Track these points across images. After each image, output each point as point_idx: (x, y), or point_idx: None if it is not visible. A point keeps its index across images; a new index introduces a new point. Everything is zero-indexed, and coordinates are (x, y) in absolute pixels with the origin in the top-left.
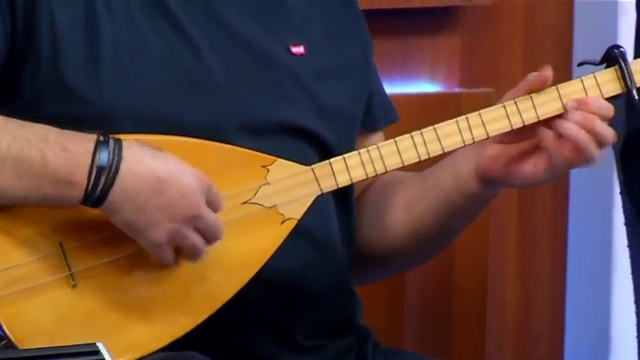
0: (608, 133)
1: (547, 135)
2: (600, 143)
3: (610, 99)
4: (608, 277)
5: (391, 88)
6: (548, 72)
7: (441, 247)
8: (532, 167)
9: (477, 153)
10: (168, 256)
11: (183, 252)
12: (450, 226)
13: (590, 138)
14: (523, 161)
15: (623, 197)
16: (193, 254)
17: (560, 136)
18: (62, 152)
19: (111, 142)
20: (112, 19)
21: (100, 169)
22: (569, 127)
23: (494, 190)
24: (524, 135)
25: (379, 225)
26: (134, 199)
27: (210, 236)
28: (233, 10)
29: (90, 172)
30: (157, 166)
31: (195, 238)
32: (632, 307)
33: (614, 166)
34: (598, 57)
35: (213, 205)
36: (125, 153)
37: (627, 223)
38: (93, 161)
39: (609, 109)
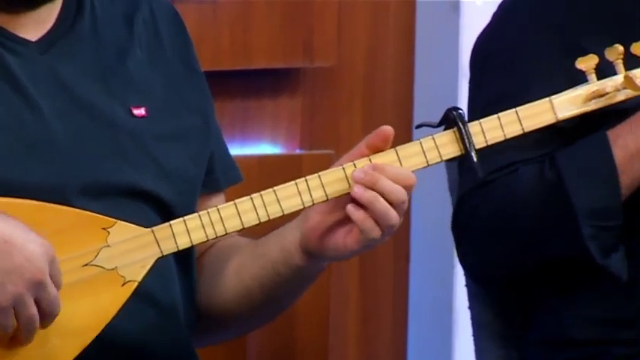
0: (396, 191)
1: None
2: (393, 204)
3: (449, 161)
4: (450, 339)
5: (231, 150)
6: (387, 130)
7: (272, 314)
8: (344, 238)
9: (300, 223)
10: (8, 322)
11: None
12: (276, 295)
13: (376, 195)
14: (339, 232)
15: None
16: (28, 329)
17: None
18: None
19: None
20: None
21: None
22: (355, 188)
23: (317, 263)
24: (343, 204)
25: (214, 288)
26: None
27: (47, 311)
28: (75, 72)
29: None
30: (4, 228)
31: (34, 311)
32: None
33: None
34: (438, 119)
35: (56, 279)
36: None
37: (468, 285)
38: None
39: (407, 177)
